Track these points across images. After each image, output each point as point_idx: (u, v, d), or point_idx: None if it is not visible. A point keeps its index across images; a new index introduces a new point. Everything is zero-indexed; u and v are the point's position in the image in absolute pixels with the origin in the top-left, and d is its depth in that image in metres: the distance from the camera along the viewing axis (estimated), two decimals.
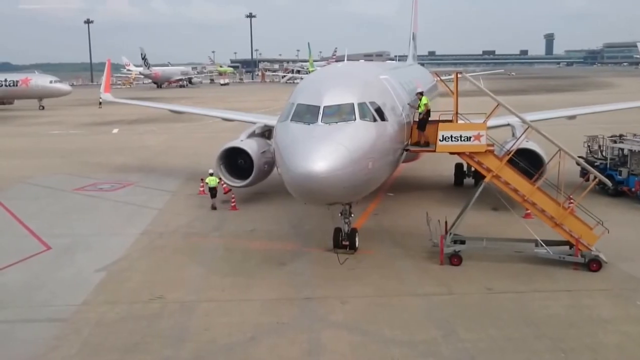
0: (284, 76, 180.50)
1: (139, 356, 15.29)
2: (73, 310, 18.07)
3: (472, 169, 26.79)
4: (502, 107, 21.93)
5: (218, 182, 29.74)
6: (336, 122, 19.02)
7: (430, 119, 23.21)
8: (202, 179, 31.90)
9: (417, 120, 23.43)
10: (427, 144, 22.94)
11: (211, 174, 29.83)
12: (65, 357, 15.26)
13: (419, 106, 23.44)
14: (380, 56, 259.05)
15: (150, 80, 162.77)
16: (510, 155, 22.07)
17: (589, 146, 33.38)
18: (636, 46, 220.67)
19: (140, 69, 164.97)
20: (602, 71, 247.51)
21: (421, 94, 23.97)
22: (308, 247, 23.36)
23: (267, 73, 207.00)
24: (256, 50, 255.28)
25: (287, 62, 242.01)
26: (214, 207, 29.51)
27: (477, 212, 24.48)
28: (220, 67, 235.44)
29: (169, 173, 38.95)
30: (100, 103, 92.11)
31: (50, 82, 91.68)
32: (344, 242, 22.16)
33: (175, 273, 21.06)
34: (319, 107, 19.27)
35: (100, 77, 66.03)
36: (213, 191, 29.64)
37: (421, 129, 23.11)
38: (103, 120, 75.88)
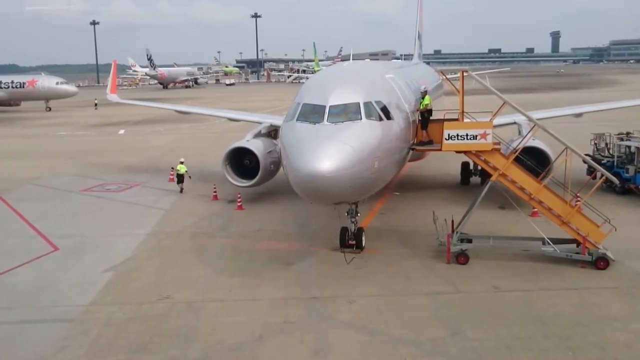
0: (290, 76, 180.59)
1: (147, 356, 15.34)
2: (81, 311, 18.16)
3: (479, 167, 26.75)
4: (509, 105, 21.90)
5: (185, 171, 33.43)
6: (342, 122, 19.03)
7: (436, 117, 23.19)
8: (172, 168, 35.60)
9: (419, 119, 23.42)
10: (430, 142, 22.94)
11: (181, 162, 33.36)
12: (74, 358, 15.33)
13: (420, 104, 23.42)
14: (385, 55, 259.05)
15: (156, 81, 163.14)
16: (516, 153, 22.02)
17: (595, 144, 33.26)
18: None
19: (146, 70, 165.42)
20: (609, 69, 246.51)
21: (425, 92, 23.86)
22: (315, 246, 23.38)
23: (273, 73, 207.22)
24: (262, 50, 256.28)
25: (293, 61, 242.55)
26: (181, 190, 33.29)
27: (484, 211, 24.45)
28: (226, 67, 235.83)
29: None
30: (95, 104, 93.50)
31: (57, 83, 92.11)
32: (350, 241, 22.15)
33: (183, 273, 21.12)
34: (324, 106, 19.28)
35: (107, 79, 66.27)
36: (181, 177, 33.32)
37: (423, 128, 23.12)
38: (109, 121, 76.09)
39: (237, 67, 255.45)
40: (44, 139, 60.73)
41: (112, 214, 29.85)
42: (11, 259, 22.78)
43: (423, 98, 23.37)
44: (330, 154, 17.78)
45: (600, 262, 20.20)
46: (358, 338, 16.00)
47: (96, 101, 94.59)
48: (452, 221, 22.08)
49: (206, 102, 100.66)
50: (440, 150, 22.15)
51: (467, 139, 21.19)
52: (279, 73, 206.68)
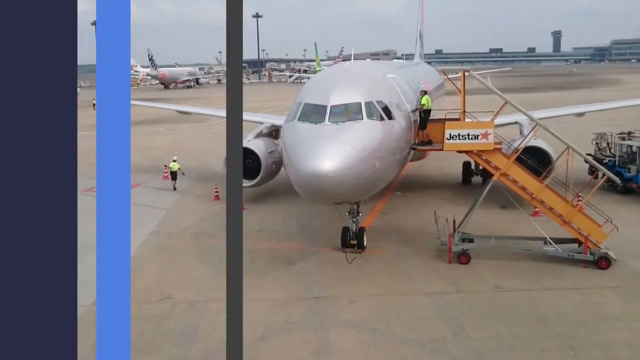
0: (291, 76, 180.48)
1: (149, 356, 15.34)
2: (83, 311, 17.98)
3: (480, 167, 26.76)
4: (510, 105, 21.89)
5: (178, 168, 34.56)
6: (343, 122, 19.04)
7: (437, 117, 23.21)
8: (165, 166, 36.51)
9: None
10: (429, 142, 22.95)
11: (174, 160, 34.58)
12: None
13: (420, 104, 23.43)
14: (387, 55, 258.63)
15: (157, 81, 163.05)
16: (518, 153, 22.02)
17: (597, 143, 33.22)
18: None
19: (148, 70, 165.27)
20: (610, 68, 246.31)
21: (423, 92, 23.82)
22: (316, 246, 23.39)
23: (274, 73, 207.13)
24: (263, 50, 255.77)
25: (294, 61, 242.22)
26: (174, 188, 34.35)
27: (485, 211, 24.44)
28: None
29: None
30: (94, 105, 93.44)
31: None
32: (351, 241, 22.14)
33: (184, 273, 21.14)
34: (326, 106, 19.29)
35: None
36: (174, 175, 34.48)
37: (421, 128, 23.14)
38: None
39: None
40: None
41: None
42: None
43: (422, 98, 23.38)
44: (331, 154, 17.79)
45: (602, 262, 20.18)
46: (360, 338, 16.01)
47: (94, 101, 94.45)
48: (454, 221, 22.08)
49: (207, 102, 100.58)
50: (442, 150, 22.16)
51: (468, 138, 21.21)
52: (280, 73, 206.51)
